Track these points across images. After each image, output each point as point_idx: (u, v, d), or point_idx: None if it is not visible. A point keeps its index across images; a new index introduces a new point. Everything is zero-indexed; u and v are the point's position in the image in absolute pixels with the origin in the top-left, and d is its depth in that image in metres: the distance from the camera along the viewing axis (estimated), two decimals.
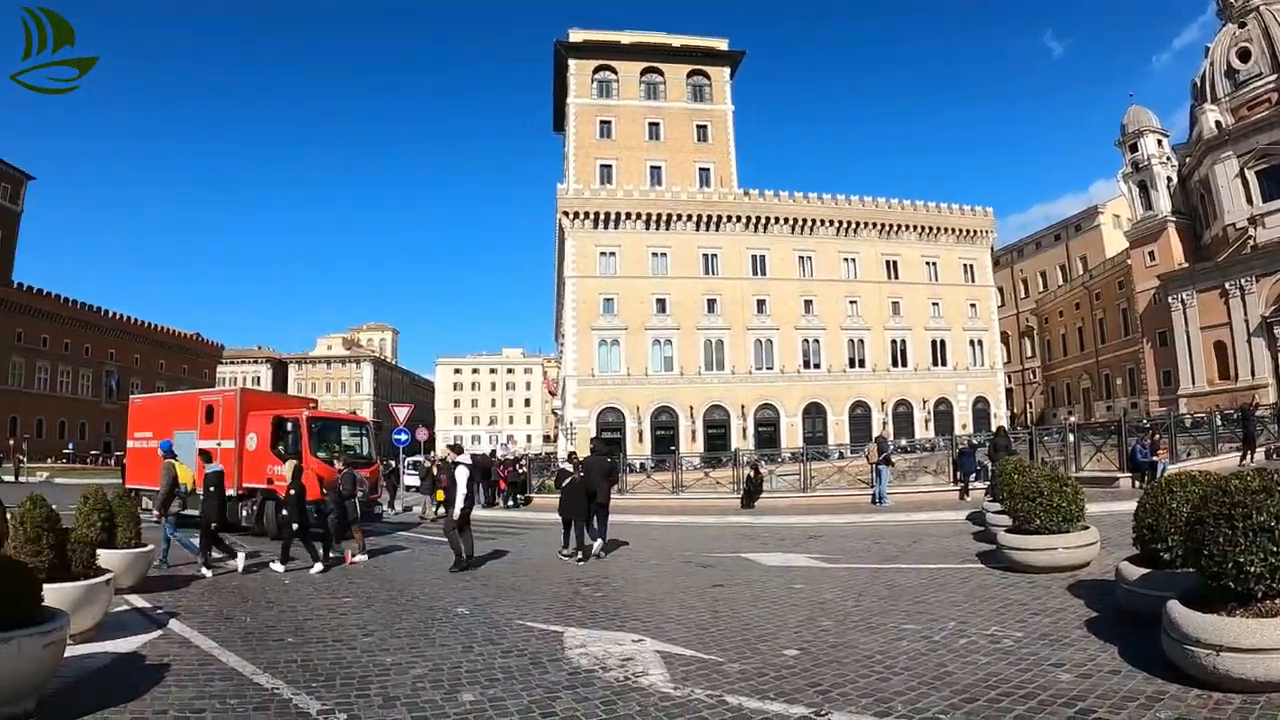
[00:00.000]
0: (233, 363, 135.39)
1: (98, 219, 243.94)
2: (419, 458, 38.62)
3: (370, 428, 23.18)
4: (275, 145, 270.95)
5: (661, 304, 62.46)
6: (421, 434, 34.15)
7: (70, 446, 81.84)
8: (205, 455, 15.85)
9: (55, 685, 6.09)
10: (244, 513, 19.33)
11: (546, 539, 17.08)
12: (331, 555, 14.58)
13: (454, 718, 5.61)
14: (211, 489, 14.14)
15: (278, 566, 13.71)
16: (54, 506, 7.97)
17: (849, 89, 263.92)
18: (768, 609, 9.43)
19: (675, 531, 20.57)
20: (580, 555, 14.46)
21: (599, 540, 15.07)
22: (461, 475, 14.00)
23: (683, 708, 5.61)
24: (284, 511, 14.47)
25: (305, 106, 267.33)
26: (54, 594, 6.63)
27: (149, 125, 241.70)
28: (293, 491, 14.37)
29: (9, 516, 7.72)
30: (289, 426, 19.51)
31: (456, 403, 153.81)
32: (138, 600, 10.25)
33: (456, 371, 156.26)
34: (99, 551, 9.06)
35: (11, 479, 45.47)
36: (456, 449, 16.26)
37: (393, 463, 32.51)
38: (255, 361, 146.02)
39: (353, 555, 15.04)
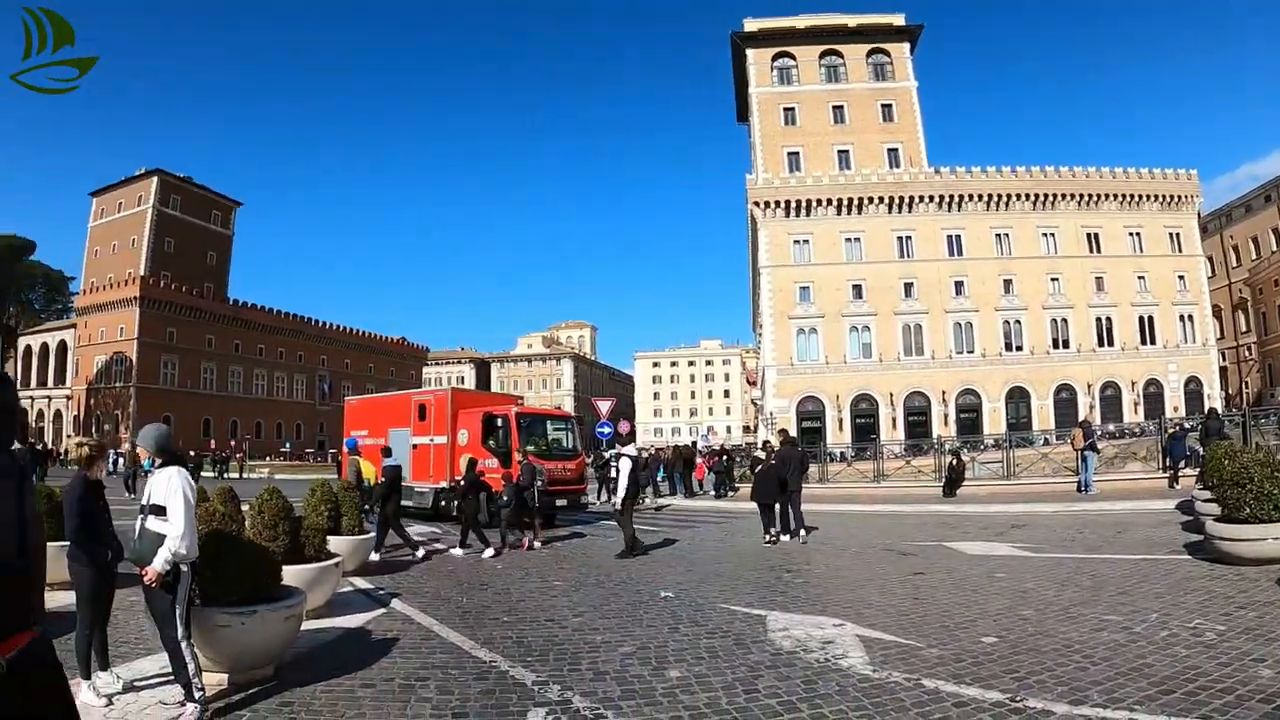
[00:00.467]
0: (437, 364, 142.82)
1: (302, 235, 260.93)
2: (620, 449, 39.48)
3: (574, 422, 23.89)
4: (469, 153, 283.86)
5: (857, 290, 61.22)
6: (624, 427, 34.73)
7: (287, 446, 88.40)
8: (386, 450, 16.82)
9: (291, 654, 6.78)
10: (456, 503, 20.31)
11: (749, 527, 17.21)
12: (510, 541, 15.41)
13: (661, 691, 5.86)
14: (388, 481, 15.08)
15: (457, 551, 14.76)
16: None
17: (1033, 50, 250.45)
18: (967, 597, 9.26)
19: (876, 520, 20.32)
20: (770, 539, 15.18)
21: (797, 525, 15.64)
22: (625, 466, 14.61)
23: (880, 689, 5.68)
24: (456, 500, 16.04)
25: (495, 112, 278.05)
26: (291, 574, 7.38)
27: (349, 148, 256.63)
28: (467, 482, 15.58)
29: (246, 507, 8.44)
30: (499, 422, 20.47)
31: (656, 395, 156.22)
32: (361, 582, 11.10)
33: (655, 365, 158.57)
34: (328, 538, 9.86)
35: (236, 475, 49.59)
36: (622, 441, 16.75)
37: (605, 455, 33.17)
38: (459, 362, 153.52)
39: (529, 543, 15.76)
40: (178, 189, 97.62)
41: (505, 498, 15.96)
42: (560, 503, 19.52)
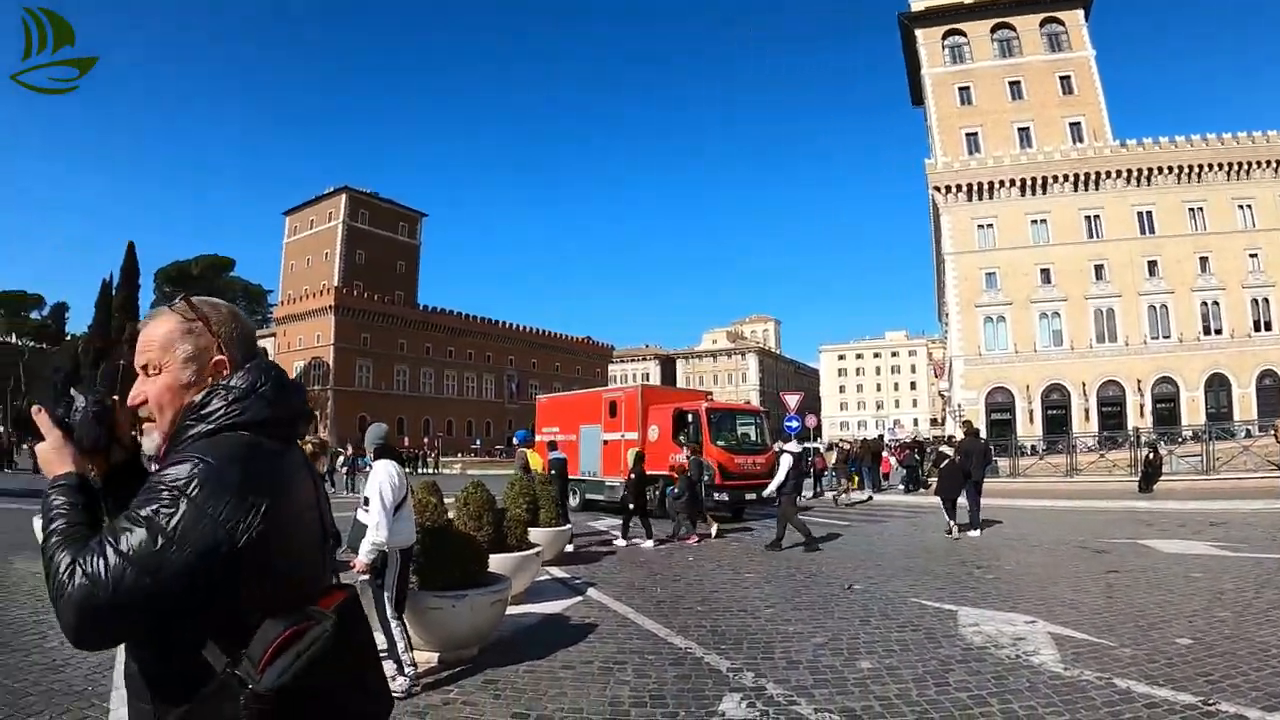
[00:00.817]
0: (622, 361, 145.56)
1: (489, 240, 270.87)
2: (809, 444, 39.17)
3: (763, 416, 23.93)
4: (653, 151, 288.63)
5: (1045, 274, 58.01)
6: (810, 421, 34.59)
7: (477, 443, 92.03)
8: (551, 444, 17.33)
9: (494, 637, 7.21)
10: (670, 496, 20.73)
11: (938, 522, 16.85)
12: (682, 533, 15.66)
13: (852, 681, 5.94)
14: (555, 473, 15.66)
15: (620, 541, 15.16)
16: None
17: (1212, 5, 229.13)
18: (1162, 597, 8.93)
19: (1068, 516, 19.56)
20: (953, 533, 15.45)
21: (973, 519, 16.00)
22: (785, 463, 14.93)
23: (1071, 687, 5.61)
24: (624, 491, 16.26)
25: (673, 109, 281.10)
26: (496, 562, 7.86)
27: (531, 151, 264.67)
28: (633, 476, 16.01)
29: (450, 500, 8.95)
30: (689, 418, 20.74)
31: (841, 389, 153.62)
32: (558, 571, 11.57)
33: (840, 358, 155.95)
34: (528, 529, 10.38)
35: (430, 471, 52.03)
36: (785, 438, 16.78)
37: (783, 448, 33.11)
38: (644, 359, 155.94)
39: (699, 536, 15.98)
40: (365, 204, 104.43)
41: (676, 490, 16.30)
42: (749, 496, 19.53)
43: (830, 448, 39.64)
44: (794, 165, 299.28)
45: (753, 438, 22.11)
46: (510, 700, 5.62)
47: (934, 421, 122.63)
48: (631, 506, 15.80)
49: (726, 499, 19.24)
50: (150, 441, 1.65)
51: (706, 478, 17.49)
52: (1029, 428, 53.82)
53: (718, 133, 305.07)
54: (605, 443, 22.31)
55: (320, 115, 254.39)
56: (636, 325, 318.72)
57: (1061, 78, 62.74)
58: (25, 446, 43.81)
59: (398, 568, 6.06)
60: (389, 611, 5.91)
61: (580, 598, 9.66)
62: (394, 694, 5.43)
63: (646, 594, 9.93)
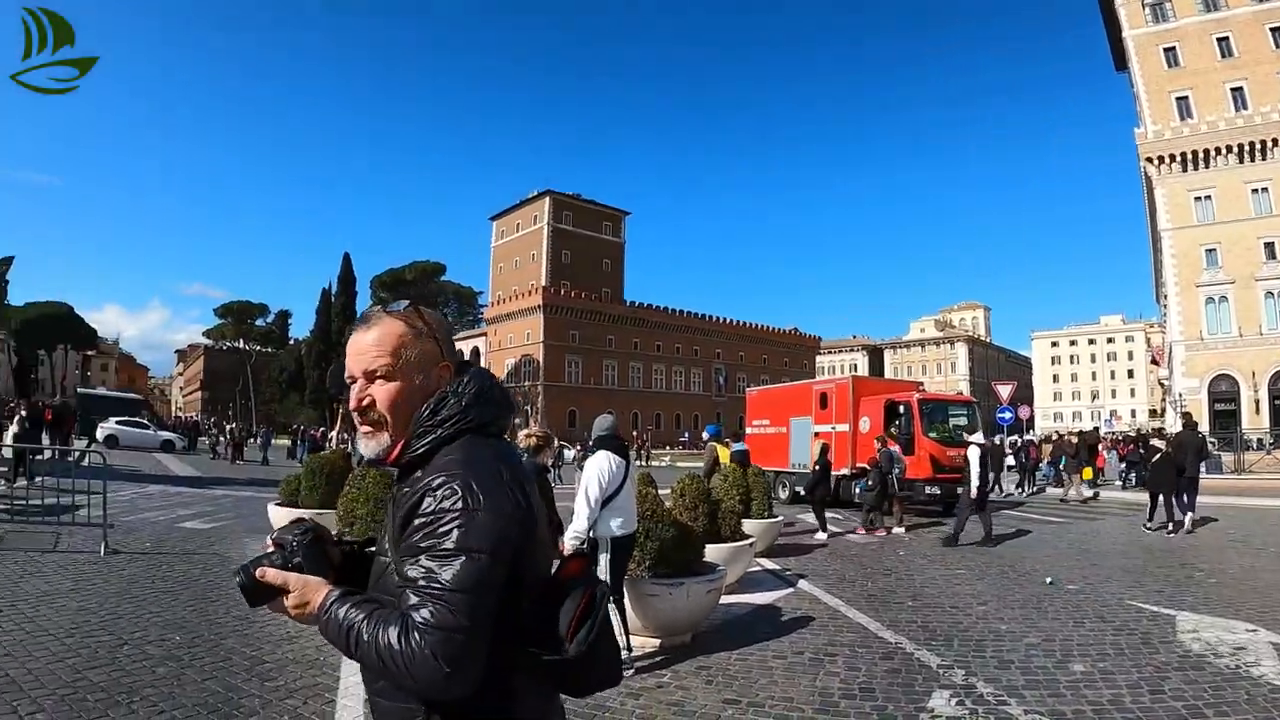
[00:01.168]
0: (829, 352, 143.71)
1: (693, 235, 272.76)
2: (1017, 437, 37.52)
3: (975, 407, 23.17)
4: (849, 136, 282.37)
5: (1269, 249, 51.40)
6: (1023, 412, 33.16)
7: (684, 436, 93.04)
8: (736, 436, 17.42)
9: (707, 625, 7.42)
10: (856, 490, 20.50)
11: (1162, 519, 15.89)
12: (872, 526, 15.70)
13: (1064, 684, 5.79)
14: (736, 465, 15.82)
15: (821, 535, 14.96)
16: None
17: None
18: None
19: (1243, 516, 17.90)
20: (1170, 529, 15.01)
21: (1188, 514, 15.46)
22: (974, 455, 14.54)
23: None
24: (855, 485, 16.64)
25: (867, 92, 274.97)
26: (710, 552, 8.09)
27: (730, 145, 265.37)
28: (817, 467, 16.20)
29: (665, 491, 9.23)
30: (901, 409, 20.39)
31: (1055, 378, 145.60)
32: (768, 563, 11.69)
33: (1053, 345, 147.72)
34: (741, 520, 10.54)
35: (641, 464, 53.15)
36: (970, 430, 16.34)
37: (1010, 441, 31.63)
38: (850, 350, 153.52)
39: (889, 528, 15.85)
40: (568, 205, 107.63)
41: (869, 482, 16.17)
42: (961, 490, 18.97)
43: (1046, 440, 37.71)
44: (1000, 145, 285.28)
45: (966, 430, 21.35)
46: (721, 686, 5.78)
47: (1153, 413, 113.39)
48: (811, 497, 15.94)
49: (939, 493, 18.77)
50: (373, 445, 1.69)
51: (898, 470, 17.21)
52: (1254, 419, 48.88)
53: (919, 117, 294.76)
54: (816, 435, 21.97)
55: (523, 120, 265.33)
56: (843, 316, 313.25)
57: (1272, 30, 55.84)
58: (252, 440, 47.90)
59: (609, 556, 6.27)
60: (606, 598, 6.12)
61: (791, 589, 9.74)
62: None
63: (858, 587, 9.92)
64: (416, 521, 1.51)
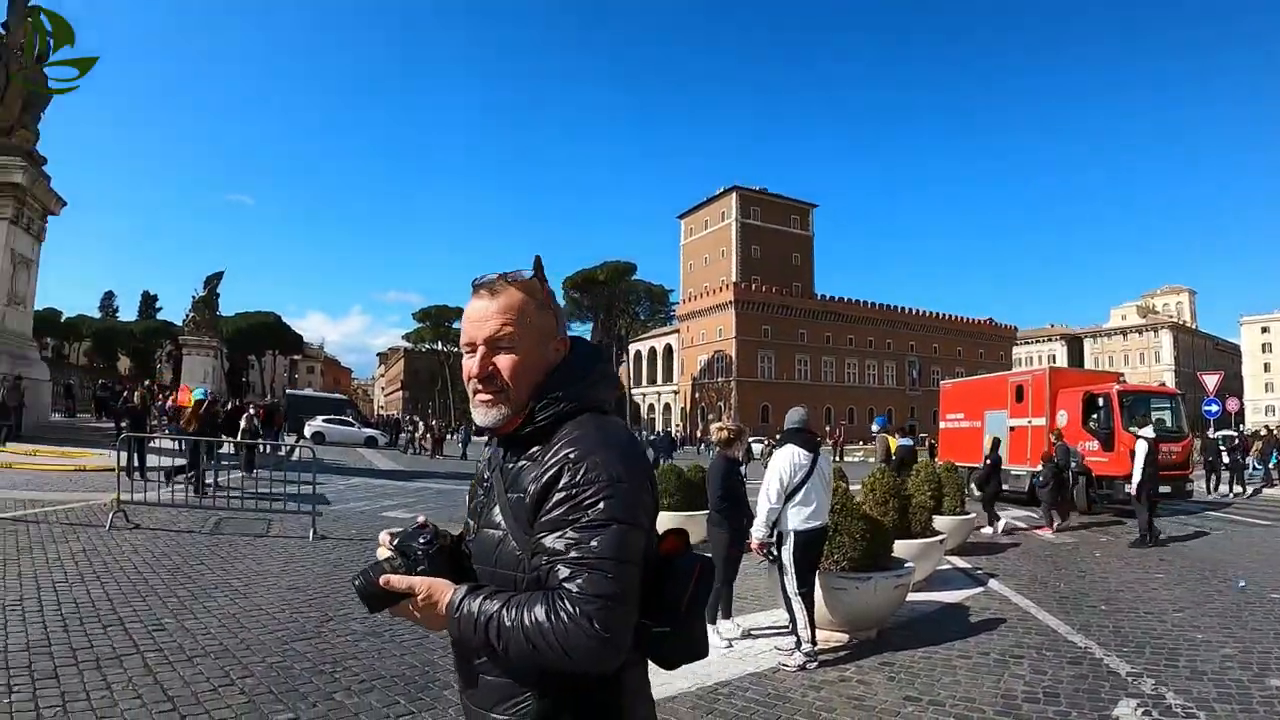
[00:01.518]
0: (1026, 343, 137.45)
1: (883, 225, 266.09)
2: (1229, 431, 35.01)
3: (1179, 399, 21.86)
4: (1033, 119, 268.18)
5: None
6: (1232, 404, 31.04)
7: (873, 429, 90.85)
8: (905, 429, 17.06)
9: (894, 621, 7.53)
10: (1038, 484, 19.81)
11: None
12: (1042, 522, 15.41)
13: (1258, 699, 5.57)
14: (897, 460, 15.64)
15: (987, 530, 14.68)
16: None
17: None
18: None
19: None
20: None
21: None
22: (1140, 449, 13.99)
23: None
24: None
25: (1050, 75, 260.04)
26: (899, 547, 8.15)
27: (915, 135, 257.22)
28: (988, 461, 15.97)
29: (856, 486, 9.36)
30: (1100, 402, 19.54)
31: (1266, 367, 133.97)
32: (959, 561, 11.58)
33: (1264, 330, 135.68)
34: (932, 517, 10.56)
35: (835, 460, 52.43)
36: (1139, 422, 15.53)
37: (1223, 436, 29.64)
38: (1048, 340, 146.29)
39: (1049, 527, 15.35)
40: (755, 200, 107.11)
41: (1041, 478, 15.71)
42: (1164, 489, 17.93)
43: (1255, 435, 34.88)
44: (1208, 118, 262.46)
45: (1169, 423, 19.96)
46: (904, 683, 5.90)
47: None
48: (981, 492, 15.71)
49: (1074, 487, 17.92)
50: (493, 414, 1.68)
51: (1074, 464, 16.53)
52: None
53: (1120, 93, 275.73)
54: (1012, 429, 21.43)
55: (709, 116, 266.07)
56: (1040, 304, 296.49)
57: None
58: (450, 436, 50.09)
59: (794, 548, 6.45)
60: (789, 589, 6.39)
61: (981, 588, 9.67)
62: (789, 667, 5.99)
63: (1049, 588, 9.74)
64: (558, 495, 1.52)
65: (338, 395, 71.78)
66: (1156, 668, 6.29)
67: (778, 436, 6.86)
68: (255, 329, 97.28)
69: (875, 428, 19.09)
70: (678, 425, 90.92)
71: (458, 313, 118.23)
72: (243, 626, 6.59)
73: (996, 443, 16.64)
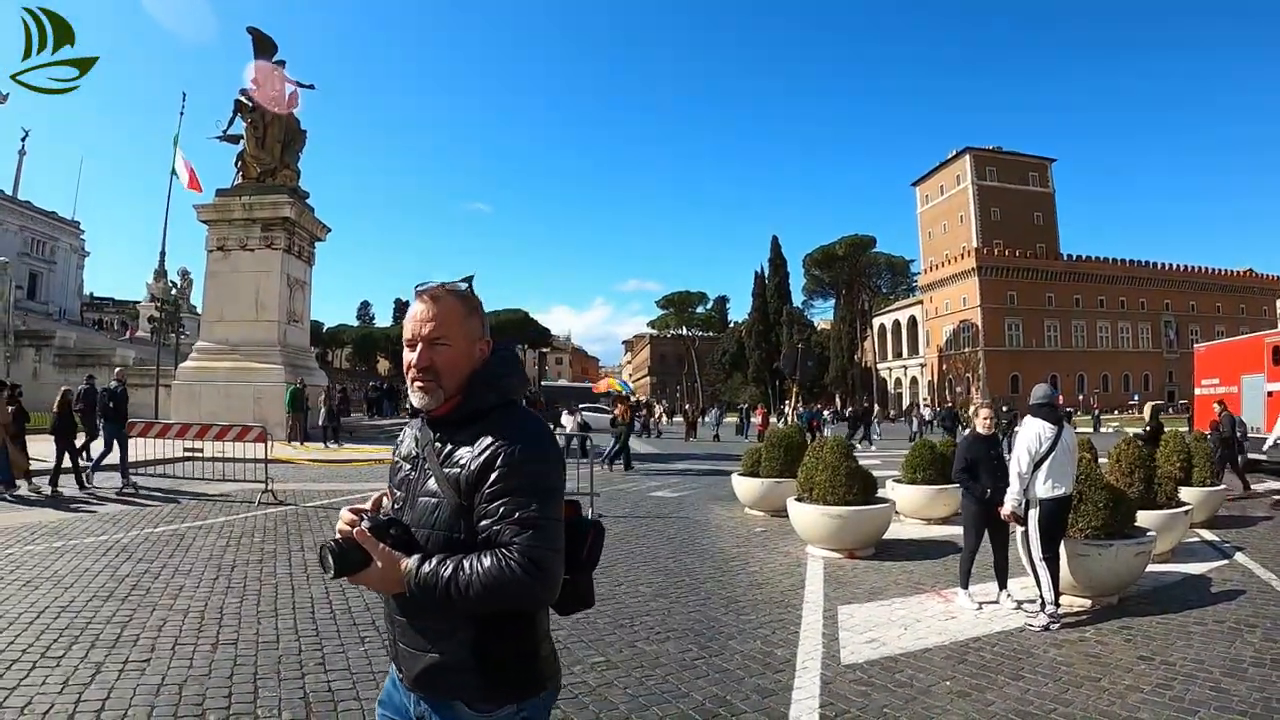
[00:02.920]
0: None
1: (1131, 174, 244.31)
2: None
3: None
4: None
5: None
6: None
7: (1134, 398, 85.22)
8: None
9: (1136, 590, 7.82)
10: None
11: None
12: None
13: None
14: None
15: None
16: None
17: None
18: None
19: None
20: None
21: None
22: None
23: None
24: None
25: None
26: (1143, 517, 8.41)
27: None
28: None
29: (1103, 460, 9.68)
30: None
31: None
32: (1208, 534, 11.39)
33: None
34: (1180, 488, 10.62)
35: (1091, 430, 49.83)
36: None
37: None
38: None
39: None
40: (990, 160, 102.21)
41: (1211, 446, 14.76)
42: None
43: None
44: None
45: None
46: (1139, 645, 6.29)
47: None
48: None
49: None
50: (428, 399, 1.99)
51: (1240, 434, 15.55)
52: None
53: None
54: (1270, 394, 20.06)
55: (938, 77, 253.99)
56: None
57: None
58: (703, 419, 50.59)
59: (1040, 516, 6.95)
60: (1035, 554, 6.93)
61: (1226, 561, 9.60)
62: (1034, 627, 6.62)
63: None
64: (499, 471, 1.84)
65: (587, 384, 75.44)
66: None
67: (1029, 411, 7.32)
68: (505, 325, 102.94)
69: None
70: (925, 399, 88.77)
71: (700, 297, 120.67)
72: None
73: (1156, 410, 16.15)
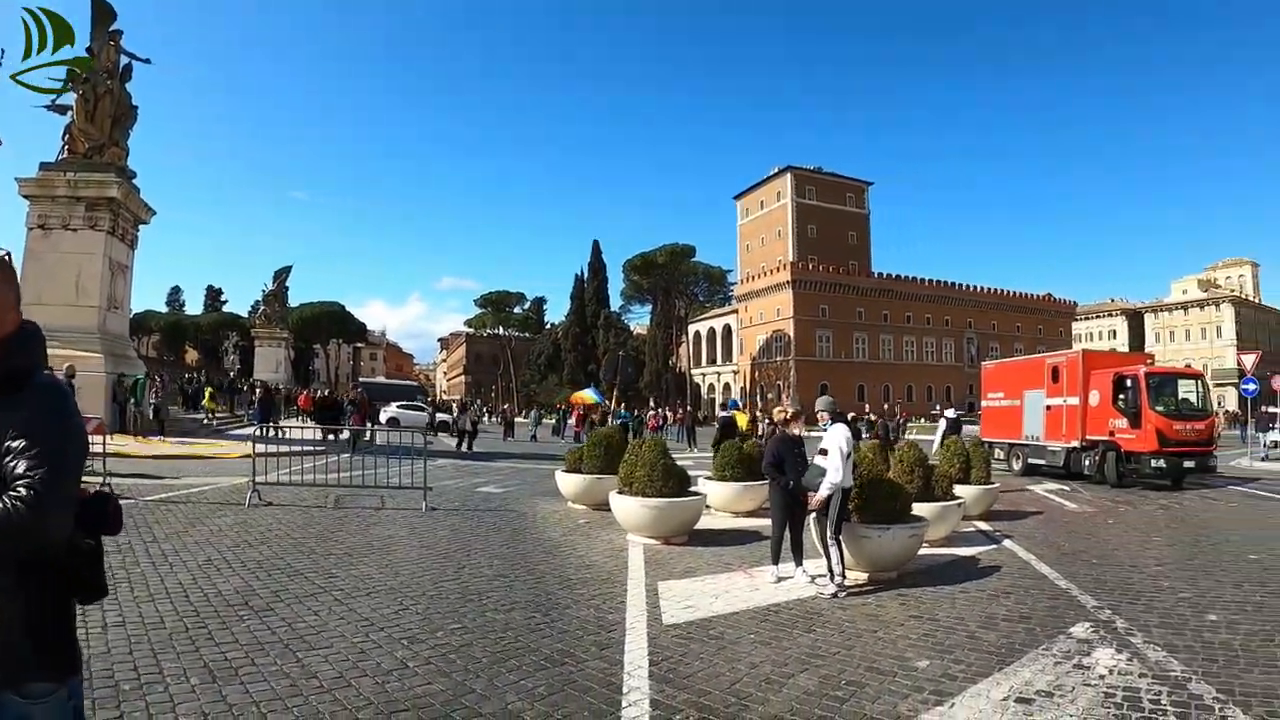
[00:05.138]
0: (1086, 318, 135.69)
1: (938, 201, 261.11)
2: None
3: (1202, 380, 22.98)
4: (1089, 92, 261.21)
5: None
6: (1277, 382, 31.59)
7: (936, 408, 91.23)
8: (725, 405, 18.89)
9: (913, 567, 9.17)
10: (1086, 462, 21.19)
11: None
12: None
13: (1191, 627, 6.90)
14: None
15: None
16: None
17: None
18: None
19: None
20: None
21: None
22: (940, 425, 15.36)
23: None
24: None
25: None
26: (921, 508, 9.79)
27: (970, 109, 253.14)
28: None
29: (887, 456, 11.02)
30: (1128, 382, 20.64)
31: None
32: (983, 525, 13.06)
33: None
34: (956, 486, 12.17)
35: (890, 437, 53.74)
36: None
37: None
38: (1108, 315, 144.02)
39: None
40: (810, 180, 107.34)
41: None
42: (1188, 464, 19.31)
43: None
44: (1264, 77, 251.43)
45: (1193, 403, 21.38)
46: (911, 606, 7.56)
47: None
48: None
49: (1164, 465, 19.15)
50: None
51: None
52: None
53: (1166, 57, 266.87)
54: (1048, 408, 22.82)
55: (762, 95, 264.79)
56: (1100, 279, 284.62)
57: None
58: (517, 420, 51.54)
59: (839, 503, 8.20)
60: (829, 535, 8.13)
61: (995, 546, 11.15)
62: (825, 595, 7.70)
63: (1054, 547, 11.14)
64: (32, 427, 1.99)
65: (410, 382, 74.36)
66: (1118, 604, 7.68)
67: (830, 417, 8.73)
68: (319, 318, 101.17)
69: (727, 411, 21.45)
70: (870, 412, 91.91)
71: (519, 298, 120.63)
72: (397, 574, 8.41)
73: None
